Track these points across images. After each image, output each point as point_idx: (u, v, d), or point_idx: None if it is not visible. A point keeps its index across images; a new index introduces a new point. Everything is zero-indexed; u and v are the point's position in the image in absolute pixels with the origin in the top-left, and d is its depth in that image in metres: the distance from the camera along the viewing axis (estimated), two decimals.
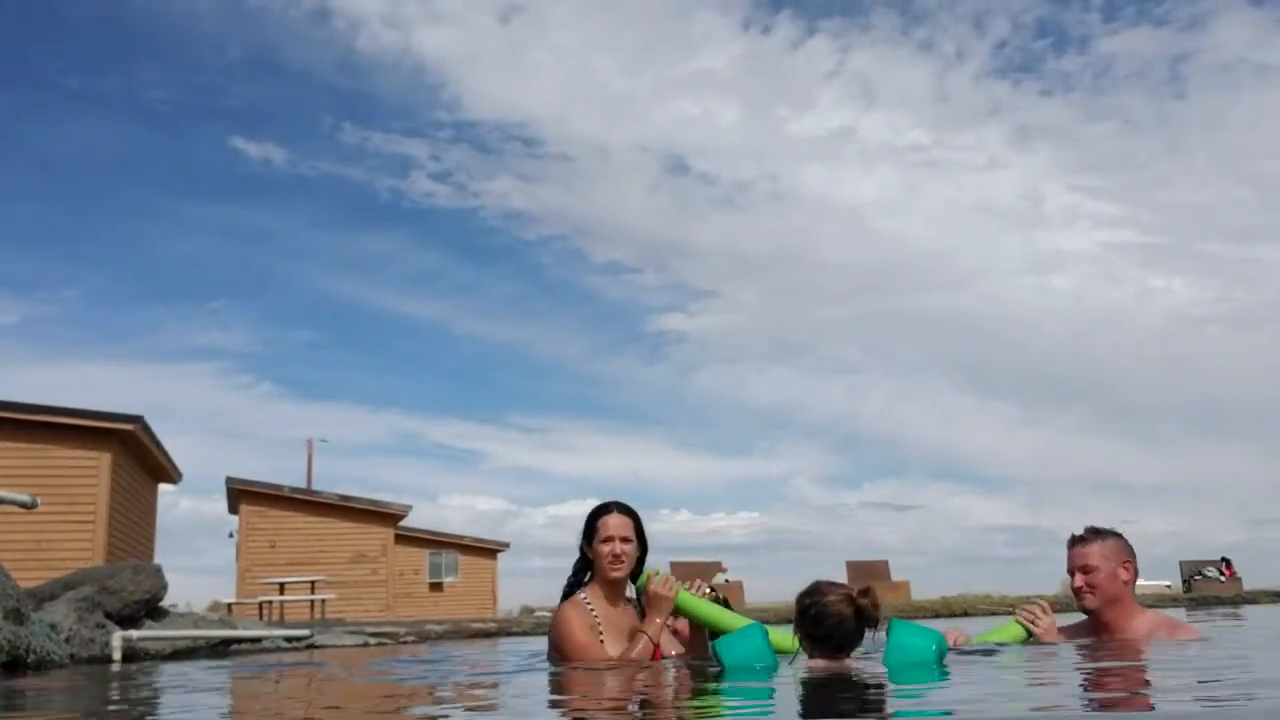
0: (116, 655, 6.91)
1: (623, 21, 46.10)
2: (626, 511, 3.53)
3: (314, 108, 45.96)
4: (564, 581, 3.55)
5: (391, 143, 43.24)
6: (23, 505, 6.52)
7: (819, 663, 2.82)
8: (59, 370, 39.74)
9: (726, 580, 22.75)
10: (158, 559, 17.12)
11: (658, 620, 3.32)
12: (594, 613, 3.42)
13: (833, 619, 2.77)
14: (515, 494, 53.25)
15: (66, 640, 6.71)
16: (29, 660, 5.84)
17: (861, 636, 2.84)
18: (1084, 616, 3.70)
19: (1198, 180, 44.59)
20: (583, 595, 3.48)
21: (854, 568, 21.54)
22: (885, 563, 22.01)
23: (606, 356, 51.44)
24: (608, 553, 3.43)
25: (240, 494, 22.81)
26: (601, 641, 3.36)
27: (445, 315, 48.45)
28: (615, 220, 50.28)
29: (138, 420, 14.85)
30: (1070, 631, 3.81)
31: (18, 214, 39.43)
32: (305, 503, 23.43)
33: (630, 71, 46.91)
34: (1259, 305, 45.94)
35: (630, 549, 3.46)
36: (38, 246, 41.92)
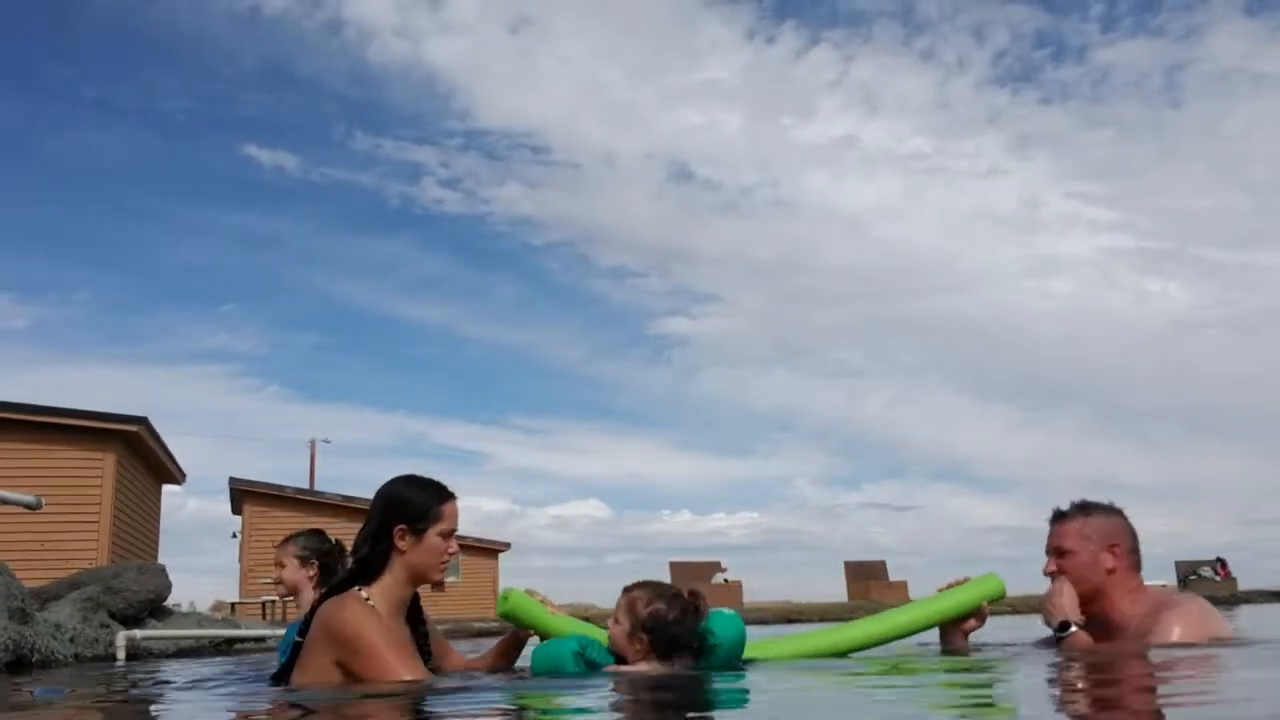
0: (120, 655, 6.98)
1: (629, 32, 46.35)
2: None
3: (326, 116, 46.26)
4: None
5: (402, 150, 43.51)
6: (27, 506, 6.59)
7: (641, 666, 2.68)
8: (69, 372, 40.03)
9: (726, 580, 22.80)
10: (162, 559, 17.21)
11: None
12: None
13: (671, 627, 2.65)
14: (518, 494, 53.36)
15: (71, 640, 6.78)
16: (34, 660, 5.91)
17: (686, 646, 2.69)
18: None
19: (1194, 186, 44.76)
20: (364, 594, 2.55)
21: (852, 568, 21.61)
22: (883, 563, 22.08)
23: (609, 359, 51.57)
24: (444, 549, 2.64)
25: (243, 494, 22.91)
26: None
27: (451, 319, 48.65)
28: (620, 226, 50.51)
29: (141, 421, 14.94)
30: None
31: (31, 219, 39.83)
32: (308, 503, 23.52)
33: (636, 81, 47.14)
34: (1255, 309, 46.05)
35: None
36: (49, 250, 42.28)
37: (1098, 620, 2.99)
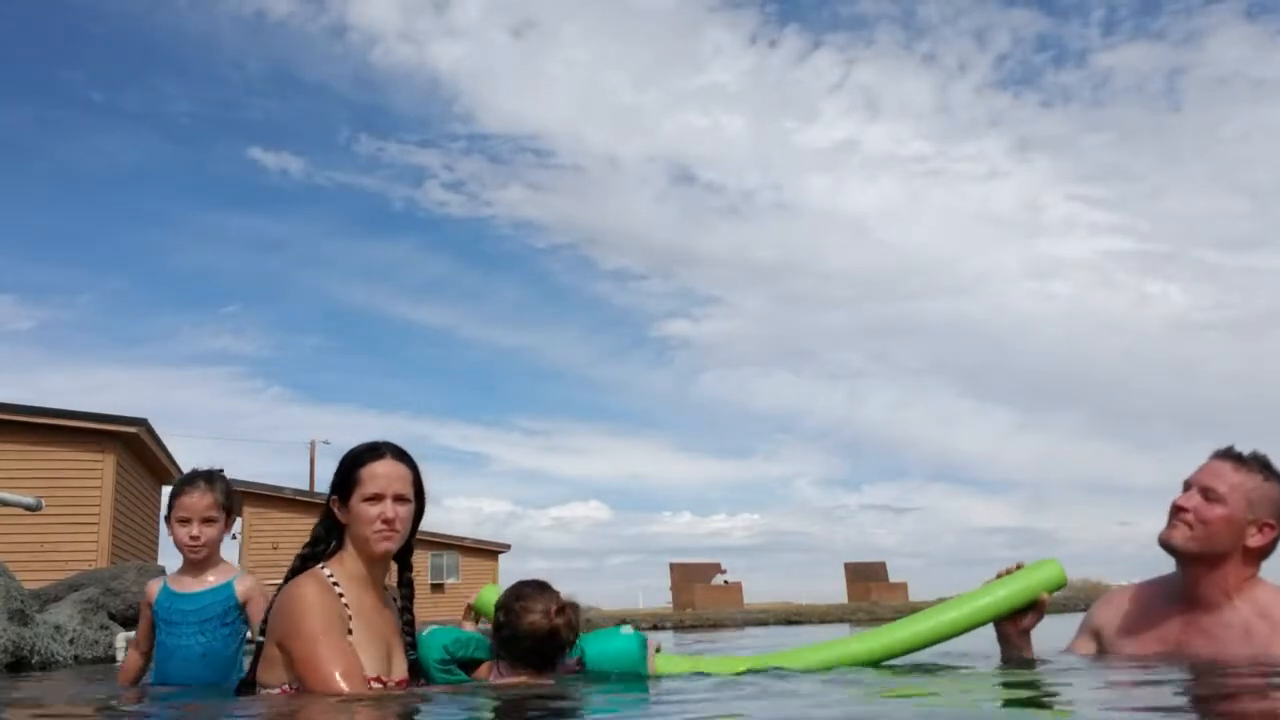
0: (120, 656, 6.96)
1: (633, 36, 46.63)
2: (403, 458, 2.51)
3: (331, 120, 46.65)
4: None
5: (406, 153, 43.89)
6: (27, 507, 6.59)
7: (519, 678, 2.56)
8: (73, 374, 40.26)
9: (726, 581, 22.80)
10: (161, 560, 17.19)
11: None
12: (343, 598, 2.37)
13: (527, 638, 2.53)
14: (520, 496, 53.51)
15: (70, 641, 6.77)
16: (34, 661, 5.90)
17: (562, 653, 2.57)
18: (1159, 572, 2.77)
19: (1194, 190, 45.00)
20: (326, 571, 2.44)
21: (852, 569, 21.59)
22: (883, 564, 22.07)
23: (612, 361, 51.76)
24: (375, 516, 2.41)
25: (242, 496, 22.90)
26: (350, 640, 2.30)
27: (454, 321, 48.85)
28: (623, 229, 50.73)
29: (141, 423, 14.94)
30: (1140, 595, 2.82)
31: (37, 222, 40.04)
32: (306, 504, 23.54)
33: (640, 85, 47.48)
34: (1254, 311, 46.19)
35: (406, 512, 2.48)
36: (55, 253, 42.62)
37: (1190, 580, 2.64)
